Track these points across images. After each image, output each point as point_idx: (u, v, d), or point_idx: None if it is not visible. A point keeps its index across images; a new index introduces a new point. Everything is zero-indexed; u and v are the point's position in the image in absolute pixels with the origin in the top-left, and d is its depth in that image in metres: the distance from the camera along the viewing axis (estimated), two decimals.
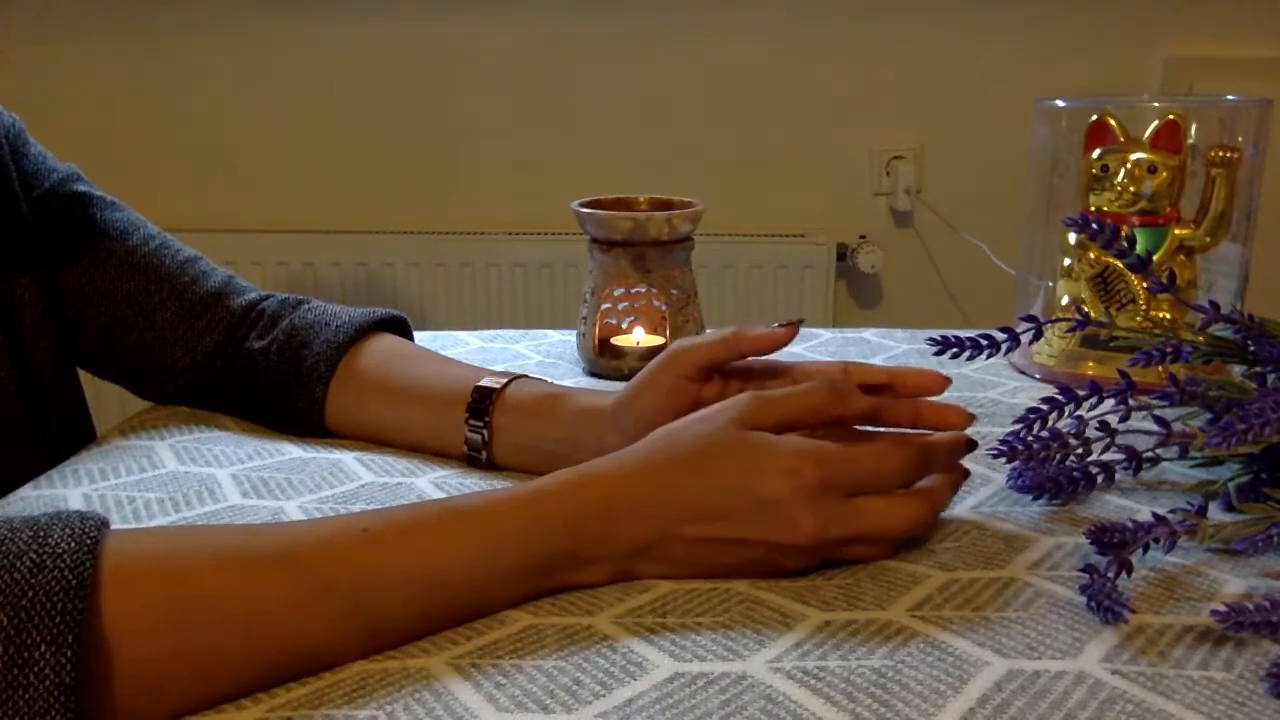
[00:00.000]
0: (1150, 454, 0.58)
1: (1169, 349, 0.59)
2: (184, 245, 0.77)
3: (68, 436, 0.76)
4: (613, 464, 0.49)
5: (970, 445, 0.54)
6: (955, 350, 0.61)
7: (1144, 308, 0.78)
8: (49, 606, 0.36)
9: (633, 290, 0.87)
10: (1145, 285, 0.78)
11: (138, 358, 0.74)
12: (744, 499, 0.47)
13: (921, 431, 0.54)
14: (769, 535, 0.48)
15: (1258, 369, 0.58)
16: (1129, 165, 0.78)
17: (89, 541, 0.38)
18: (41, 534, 0.38)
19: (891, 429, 0.55)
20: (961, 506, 0.58)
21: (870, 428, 0.55)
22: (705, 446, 0.49)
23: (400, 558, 0.44)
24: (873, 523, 0.49)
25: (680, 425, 0.51)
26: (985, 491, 0.60)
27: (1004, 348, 0.60)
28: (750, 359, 0.59)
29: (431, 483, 0.63)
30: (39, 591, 0.36)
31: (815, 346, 0.94)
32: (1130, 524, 0.49)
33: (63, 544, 0.38)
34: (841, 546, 0.50)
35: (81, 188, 0.75)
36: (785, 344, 0.57)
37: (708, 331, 0.90)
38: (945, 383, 0.55)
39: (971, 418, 0.55)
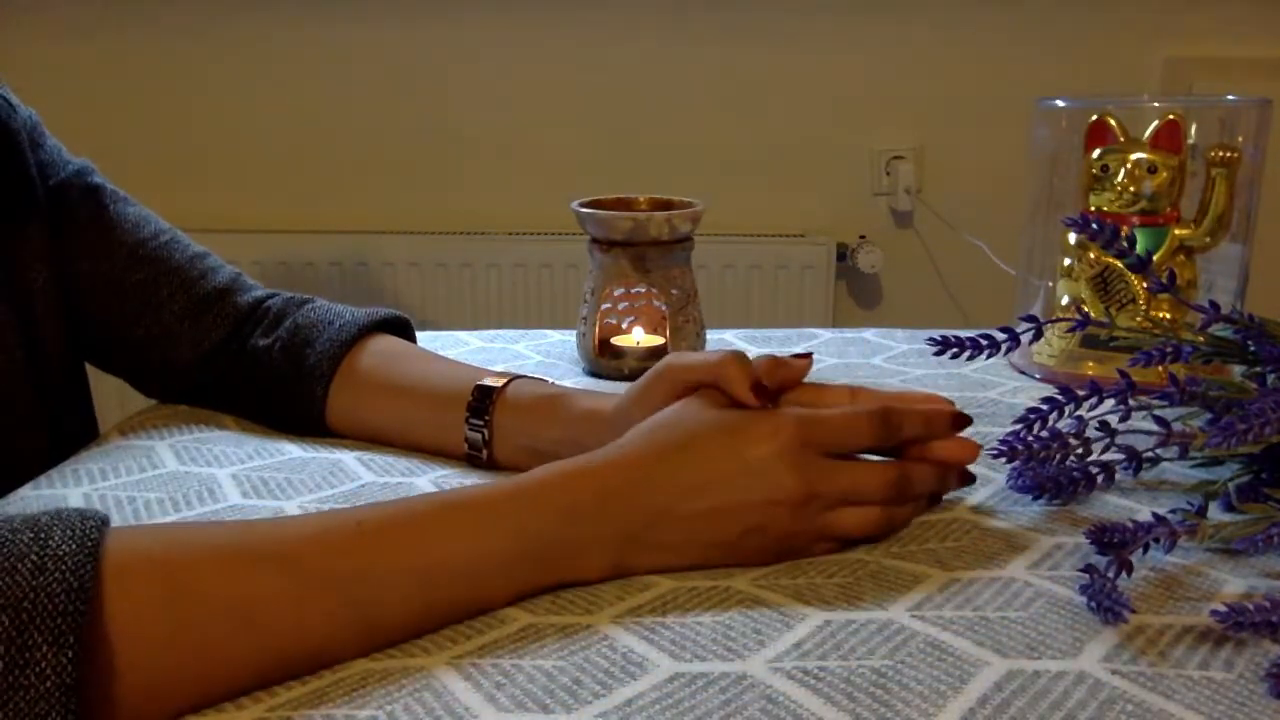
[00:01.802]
0: (1150, 454, 0.58)
1: (1169, 349, 0.59)
2: (193, 241, 0.78)
3: (73, 425, 0.77)
4: (603, 454, 0.51)
5: (959, 421, 0.56)
6: (955, 350, 0.61)
7: (1144, 308, 0.78)
8: (50, 608, 0.36)
9: (633, 290, 0.87)
10: (1145, 285, 0.78)
11: (143, 351, 0.74)
12: (731, 464, 0.50)
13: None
14: (758, 495, 0.50)
15: (1258, 369, 0.58)
16: (1129, 165, 0.78)
17: (89, 543, 0.38)
18: (42, 535, 0.38)
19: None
20: (961, 506, 0.58)
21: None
22: (690, 424, 0.52)
23: (396, 551, 0.44)
24: (853, 477, 0.52)
25: (665, 413, 0.54)
26: (985, 491, 0.60)
27: (1004, 348, 0.60)
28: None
29: (431, 482, 0.63)
30: (40, 593, 0.36)
31: (815, 346, 0.94)
32: (1130, 524, 0.49)
33: (64, 546, 0.38)
34: (829, 512, 0.51)
35: (95, 180, 0.76)
36: (757, 405, 0.54)
37: (721, 340, 0.90)
38: (951, 418, 0.56)
39: (978, 447, 0.56)
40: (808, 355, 0.57)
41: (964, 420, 0.56)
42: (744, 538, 0.50)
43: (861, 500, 0.52)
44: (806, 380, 0.57)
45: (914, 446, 0.55)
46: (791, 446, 0.50)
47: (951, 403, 0.57)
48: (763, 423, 0.51)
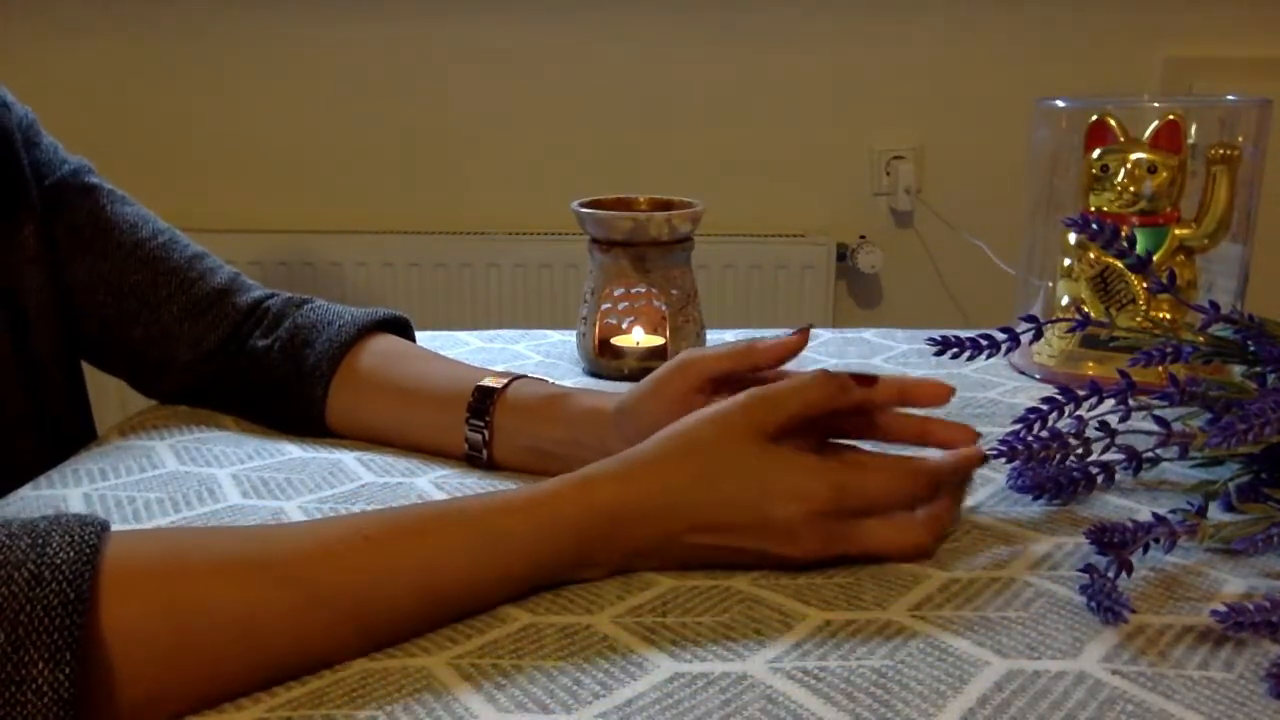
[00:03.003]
0: (1150, 454, 0.58)
1: (1169, 349, 0.59)
2: (191, 241, 0.78)
3: (69, 427, 0.76)
4: (619, 468, 0.49)
5: (982, 460, 0.55)
6: (955, 350, 0.61)
7: (1144, 308, 0.78)
8: (47, 622, 0.35)
9: (633, 290, 0.86)
10: (1145, 285, 0.77)
11: (141, 351, 0.74)
12: (754, 517, 0.48)
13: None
14: (771, 548, 0.49)
15: (1258, 369, 0.58)
16: (1129, 165, 0.78)
17: (88, 551, 0.37)
18: (40, 542, 0.37)
19: (896, 445, 0.56)
20: (961, 506, 0.58)
21: (875, 448, 0.56)
22: (720, 460, 0.49)
23: (403, 566, 0.44)
24: (875, 546, 0.50)
25: (691, 430, 0.50)
26: (985, 491, 0.60)
27: (1004, 348, 0.60)
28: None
29: (431, 483, 0.63)
30: (37, 605, 0.35)
31: (815, 346, 0.94)
32: (1130, 524, 0.49)
33: (61, 554, 0.37)
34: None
35: (92, 180, 0.76)
36: (798, 352, 0.56)
37: (721, 341, 0.90)
38: (950, 393, 0.56)
39: (978, 436, 0.55)
40: (804, 330, 0.56)
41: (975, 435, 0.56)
42: (748, 563, 0.50)
43: (884, 556, 0.51)
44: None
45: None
46: (821, 513, 0.49)
47: (952, 389, 0.56)
48: (796, 479, 0.49)
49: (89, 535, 0.38)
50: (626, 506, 0.48)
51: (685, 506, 0.48)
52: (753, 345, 0.56)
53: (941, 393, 0.55)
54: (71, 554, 0.37)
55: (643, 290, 0.86)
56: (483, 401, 0.65)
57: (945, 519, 0.53)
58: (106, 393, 0.86)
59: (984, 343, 0.61)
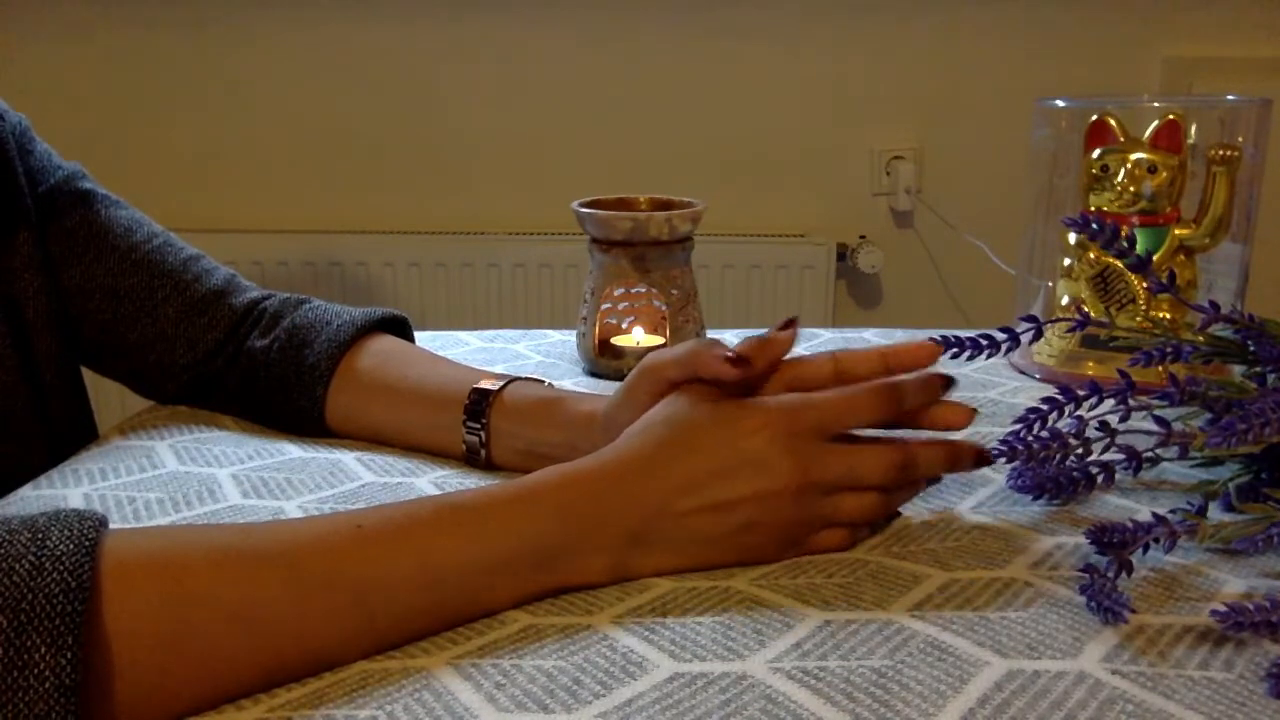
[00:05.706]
0: (1150, 454, 0.58)
1: (1169, 349, 0.59)
2: (186, 244, 0.78)
3: (71, 432, 0.77)
4: (600, 458, 0.51)
5: (948, 382, 0.55)
6: (955, 350, 0.61)
7: (1144, 308, 0.78)
8: (49, 609, 0.36)
9: (633, 290, 0.87)
10: (1145, 285, 0.77)
11: (139, 354, 0.74)
12: (725, 457, 0.50)
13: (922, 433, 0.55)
14: (755, 485, 0.49)
15: (1258, 369, 0.58)
16: (1129, 165, 0.78)
17: (88, 543, 0.38)
18: (40, 535, 0.38)
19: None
20: (961, 506, 0.58)
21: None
22: (682, 424, 0.51)
23: (396, 553, 0.44)
24: (850, 462, 0.51)
25: (656, 414, 0.53)
26: (985, 491, 0.60)
27: (1004, 348, 0.60)
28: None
29: (431, 483, 0.63)
30: (38, 594, 0.36)
31: (815, 347, 0.94)
32: (1130, 524, 0.49)
33: (62, 546, 0.38)
34: (827, 497, 0.51)
35: (86, 185, 0.76)
36: (742, 370, 0.53)
37: (703, 337, 0.90)
38: (938, 352, 0.55)
39: (974, 412, 0.55)
40: (791, 323, 0.56)
41: (951, 381, 0.55)
42: (744, 531, 0.50)
43: (862, 485, 0.52)
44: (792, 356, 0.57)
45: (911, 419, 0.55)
46: (785, 433, 0.50)
47: (939, 344, 0.56)
48: (754, 414, 0.51)
49: (88, 529, 0.39)
50: (606, 485, 0.49)
51: (660, 470, 0.49)
52: (695, 350, 0.54)
53: (924, 353, 0.55)
54: (71, 546, 0.38)
55: (643, 290, 0.86)
56: (479, 404, 0.65)
57: (915, 447, 0.53)
58: (107, 393, 0.86)
59: (984, 343, 0.61)
